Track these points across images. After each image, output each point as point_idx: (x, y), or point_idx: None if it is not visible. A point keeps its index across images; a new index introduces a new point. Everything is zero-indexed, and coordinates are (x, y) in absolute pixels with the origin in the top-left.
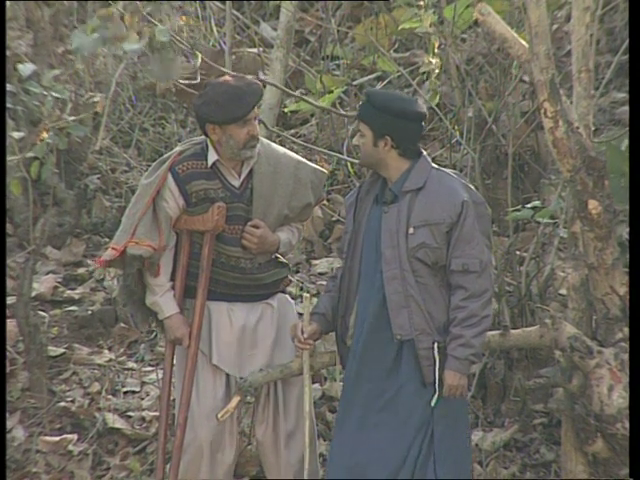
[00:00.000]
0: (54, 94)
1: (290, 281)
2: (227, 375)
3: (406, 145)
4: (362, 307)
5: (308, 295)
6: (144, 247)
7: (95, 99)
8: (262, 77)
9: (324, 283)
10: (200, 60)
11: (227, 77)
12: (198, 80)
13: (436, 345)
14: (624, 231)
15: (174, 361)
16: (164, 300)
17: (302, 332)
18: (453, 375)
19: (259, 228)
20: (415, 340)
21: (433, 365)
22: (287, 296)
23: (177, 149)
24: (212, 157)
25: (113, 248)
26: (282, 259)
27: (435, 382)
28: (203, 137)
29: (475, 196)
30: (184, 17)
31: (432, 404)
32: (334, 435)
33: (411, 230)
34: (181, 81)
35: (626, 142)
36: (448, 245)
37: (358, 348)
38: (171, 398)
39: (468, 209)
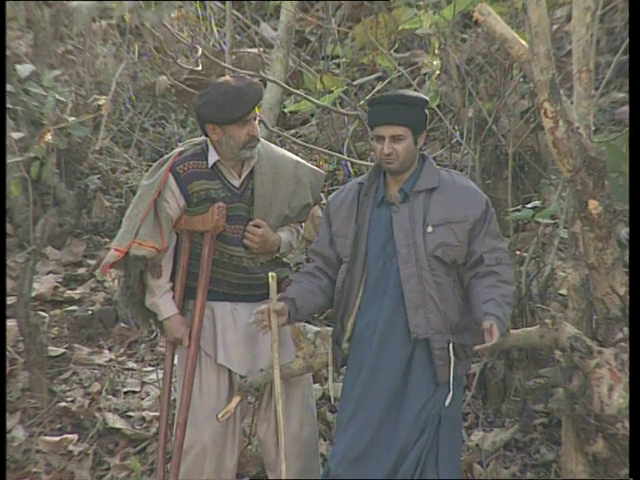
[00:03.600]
0: (55, 94)
1: (291, 281)
2: (230, 375)
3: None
4: (373, 311)
5: (275, 275)
6: (147, 248)
7: (100, 102)
8: (263, 75)
9: None
10: (201, 54)
11: (228, 77)
12: (200, 67)
13: (451, 345)
14: (624, 231)
15: (175, 361)
16: (163, 301)
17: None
18: (499, 334)
19: (261, 228)
20: (430, 339)
21: (448, 365)
22: None
23: (177, 150)
24: (213, 157)
25: (116, 249)
26: (283, 259)
27: (450, 381)
28: (203, 137)
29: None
30: (183, 13)
31: (446, 404)
32: (341, 432)
33: (430, 229)
34: (183, 67)
35: (626, 142)
36: (470, 243)
37: (371, 352)
38: (171, 398)
39: (489, 207)
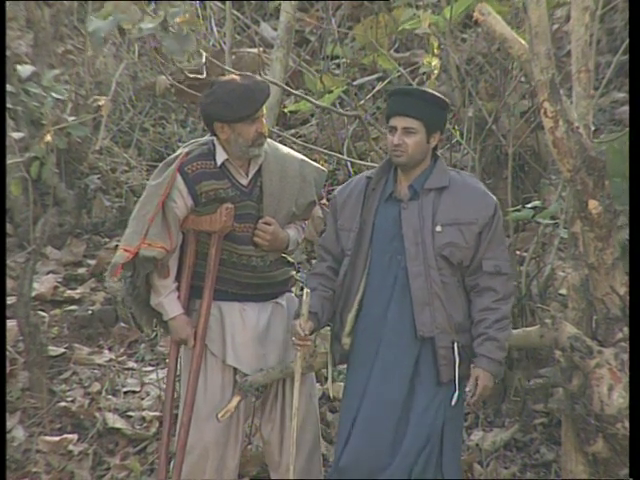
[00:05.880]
0: (54, 94)
1: (296, 280)
2: (235, 376)
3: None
4: (378, 306)
5: (308, 291)
6: (157, 249)
7: (100, 103)
8: (263, 76)
9: None
10: (205, 58)
11: (233, 76)
12: (204, 75)
13: (456, 345)
14: (624, 231)
15: (178, 361)
16: (168, 301)
17: (301, 329)
18: (489, 377)
19: (271, 225)
20: (436, 338)
21: (452, 364)
22: (294, 295)
23: (184, 150)
24: (221, 157)
25: (126, 250)
26: (289, 258)
27: (455, 381)
28: (208, 137)
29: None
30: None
31: (452, 403)
32: (349, 430)
33: (438, 228)
34: (188, 75)
35: (626, 143)
36: (477, 246)
37: (380, 349)
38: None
39: (498, 211)
